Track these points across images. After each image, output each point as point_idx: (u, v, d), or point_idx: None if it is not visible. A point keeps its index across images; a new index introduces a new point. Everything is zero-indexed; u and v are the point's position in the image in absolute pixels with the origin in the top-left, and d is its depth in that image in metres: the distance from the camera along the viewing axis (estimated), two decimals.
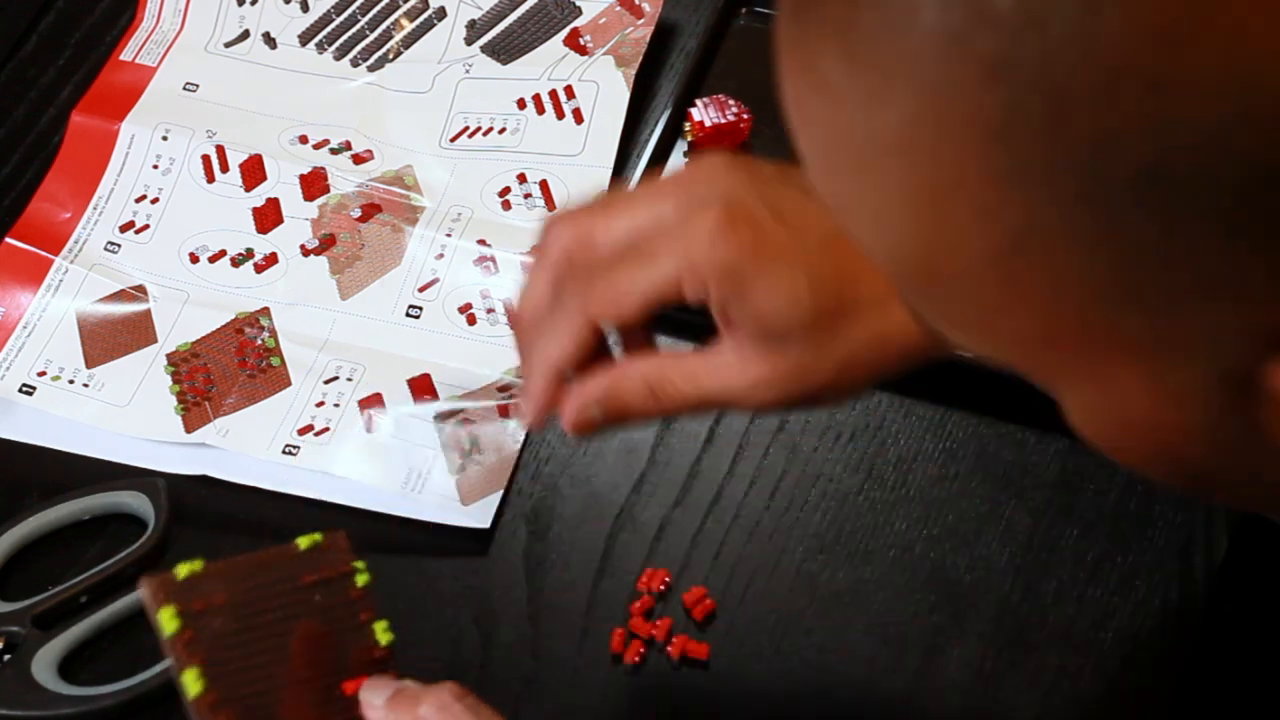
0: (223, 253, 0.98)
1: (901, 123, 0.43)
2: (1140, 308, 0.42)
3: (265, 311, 0.95)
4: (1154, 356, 0.44)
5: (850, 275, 0.68)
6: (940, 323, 0.48)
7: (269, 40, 1.07)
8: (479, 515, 0.87)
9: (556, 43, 1.05)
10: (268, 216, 0.99)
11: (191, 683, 0.66)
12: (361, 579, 0.69)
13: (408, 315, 0.95)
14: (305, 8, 1.09)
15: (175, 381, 0.93)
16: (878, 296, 0.68)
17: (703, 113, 1.00)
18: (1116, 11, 0.39)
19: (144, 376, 0.93)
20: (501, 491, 0.88)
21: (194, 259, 0.98)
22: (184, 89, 1.05)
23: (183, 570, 0.67)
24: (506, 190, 1.00)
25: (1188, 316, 0.42)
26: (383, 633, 0.69)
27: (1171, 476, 0.51)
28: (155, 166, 1.01)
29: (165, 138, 1.02)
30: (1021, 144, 0.41)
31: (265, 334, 0.94)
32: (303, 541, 0.69)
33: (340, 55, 1.06)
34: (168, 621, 0.66)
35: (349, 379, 0.92)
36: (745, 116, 1.00)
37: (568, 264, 0.69)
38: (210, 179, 1.01)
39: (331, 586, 0.69)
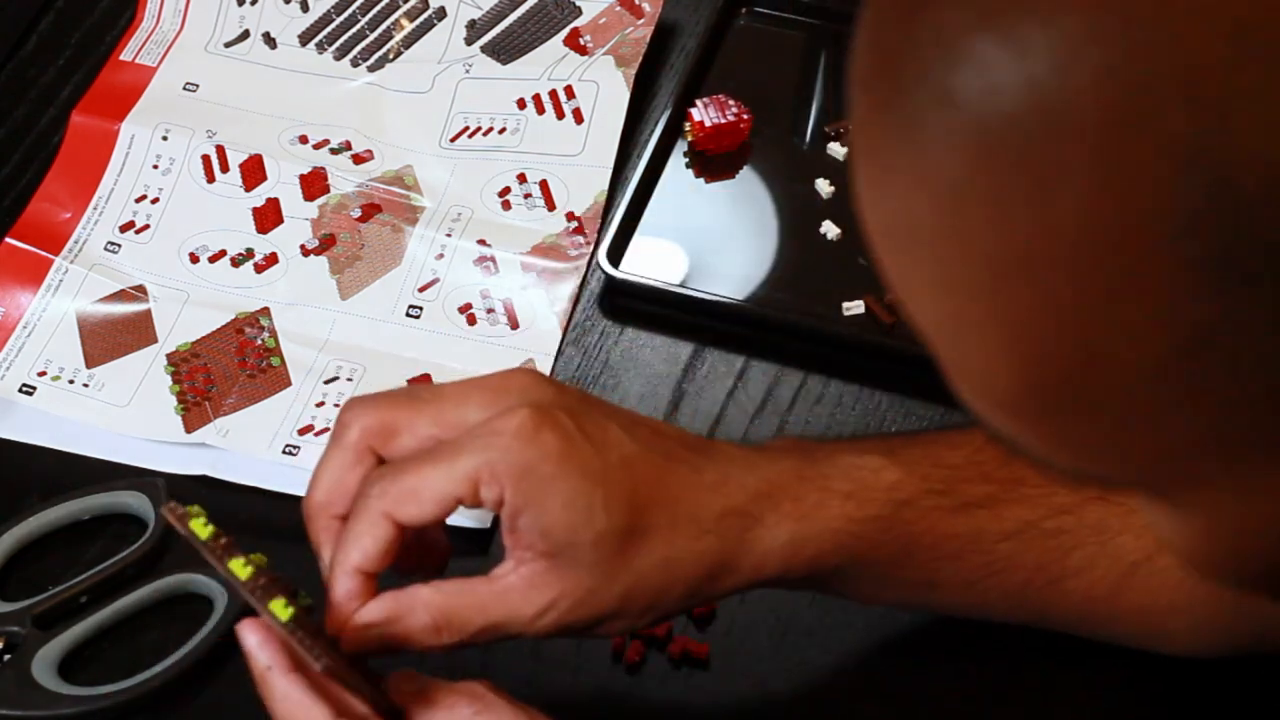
0: (223, 253, 0.98)
1: (1065, 228, 0.37)
2: None
3: (265, 311, 0.95)
4: None
5: (645, 500, 0.68)
6: (1042, 441, 0.43)
7: (269, 40, 1.07)
8: (479, 515, 0.87)
9: (556, 43, 1.05)
10: (268, 216, 0.99)
11: (241, 568, 0.65)
12: (201, 530, 0.68)
13: (408, 315, 0.95)
14: (305, 8, 1.09)
15: (175, 381, 0.93)
16: (669, 522, 0.68)
17: (703, 113, 1.00)
18: None
19: (144, 376, 0.93)
20: None
21: (194, 259, 0.98)
22: (184, 89, 1.05)
23: (197, 524, 0.68)
24: (506, 190, 1.00)
25: None
26: (241, 568, 0.68)
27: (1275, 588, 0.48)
28: (155, 166, 1.01)
29: (165, 138, 1.02)
30: (1218, 235, 0.36)
31: (265, 334, 0.94)
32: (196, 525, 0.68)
33: (340, 55, 1.06)
34: (201, 528, 0.66)
35: (349, 379, 0.92)
36: (745, 116, 1.00)
37: (367, 452, 0.69)
38: (210, 179, 1.01)
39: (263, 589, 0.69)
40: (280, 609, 0.65)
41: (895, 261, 0.42)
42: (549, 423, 0.67)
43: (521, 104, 1.03)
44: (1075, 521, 0.72)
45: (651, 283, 0.95)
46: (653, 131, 1.00)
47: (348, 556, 0.67)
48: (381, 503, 0.67)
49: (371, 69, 1.06)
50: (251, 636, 0.67)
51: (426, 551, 0.72)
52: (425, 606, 0.68)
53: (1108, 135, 0.36)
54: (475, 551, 0.86)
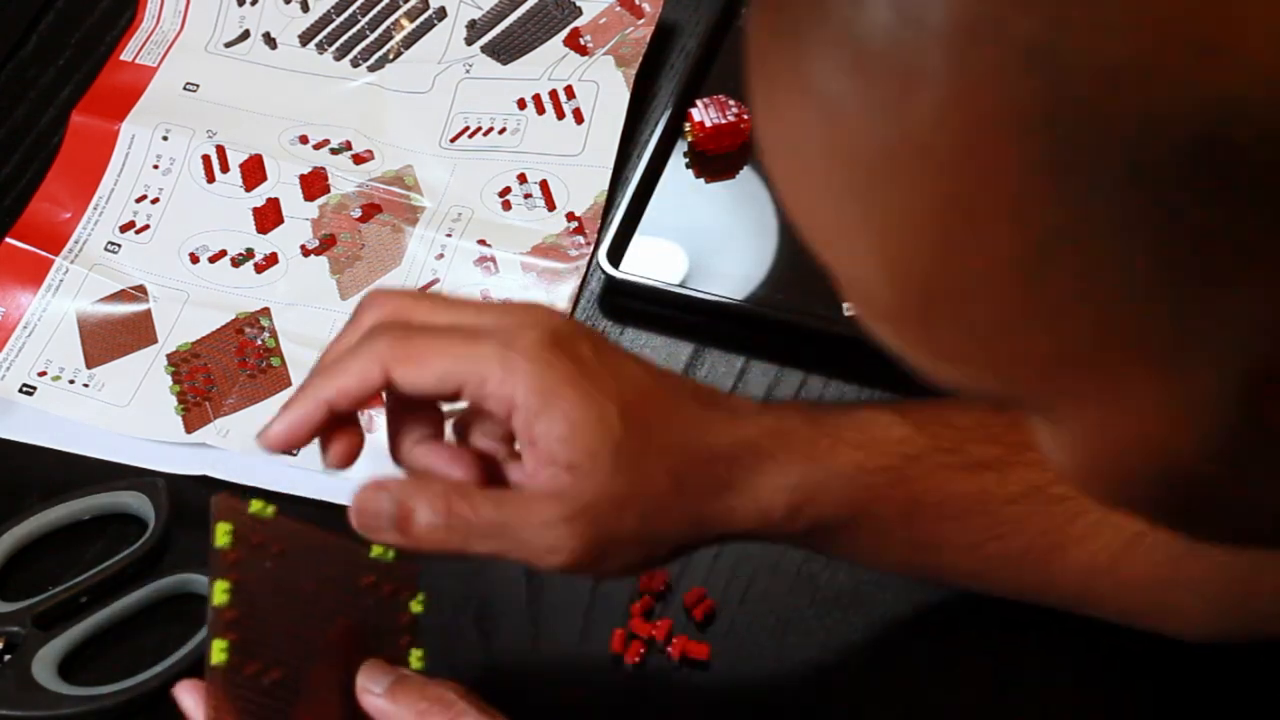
0: (223, 253, 0.98)
1: (922, 129, 0.40)
2: (1171, 301, 0.40)
3: (265, 312, 0.95)
4: (1175, 362, 0.42)
5: (659, 420, 0.68)
6: (924, 353, 0.46)
7: (269, 40, 1.07)
8: None
9: (556, 43, 1.05)
10: (268, 216, 0.99)
11: (219, 593, 0.65)
12: (416, 607, 0.70)
13: None
14: (305, 8, 1.09)
15: (175, 381, 0.93)
16: (683, 443, 0.68)
17: (703, 113, 1.00)
18: None
19: (144, 376, 0.93)
20: None
21: (194, 259, 0.98)
22: (184, 89, 1.05)
23: (255, 505, 0.68)
24: (507, 190, 1.00)
25: (1219, 305, 0.40)
26: (416, 660, 0.69)
27: (1162, 509, 0.49)
28: (155, 166, 1.01)
29: (165, 138, 1.02)
30: (1065, 130, 0.38)
31: (265, 334, 0.94)
32: (375, 549, 0.70)
33: (340, 55, 1.06)
34: (221, 535, 0.66)
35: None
36: (745, 116, 1.00)
37: (384, 329, 0.68)
38: (210, 179, 1.01)
39: (385, 600, 0.69)
40: (217, 651, 0.65)
41: (784, 176, 0.44)
42: (566, 343, 0.67)
43: (521, 104, 1.03)
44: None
45: (651, 283, 0.95)
46: (653, 131, 1.00)
47: (325, 384, 0.66)
48: (384, 351, 0.66)
49: (371, 69, 1.06)
50: (186, 698, 0.67)
51: (344, 435, 0.70)
52: (441, 487, 0.67)
53: (957, 40, 0.38)
54: None
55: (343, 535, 0.69)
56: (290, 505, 0.87)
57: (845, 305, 0.92)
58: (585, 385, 0.66)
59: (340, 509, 0.87)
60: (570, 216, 0.98)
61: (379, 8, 1.08)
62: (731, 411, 0.71)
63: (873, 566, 0.79)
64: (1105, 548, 0.73)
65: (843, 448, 0.71)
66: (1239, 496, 0.47)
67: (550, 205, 0.99)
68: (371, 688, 0.67)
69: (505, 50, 1.06)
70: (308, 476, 0.89)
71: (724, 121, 1.00)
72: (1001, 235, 0.40)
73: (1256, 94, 0.37)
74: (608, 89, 1.03)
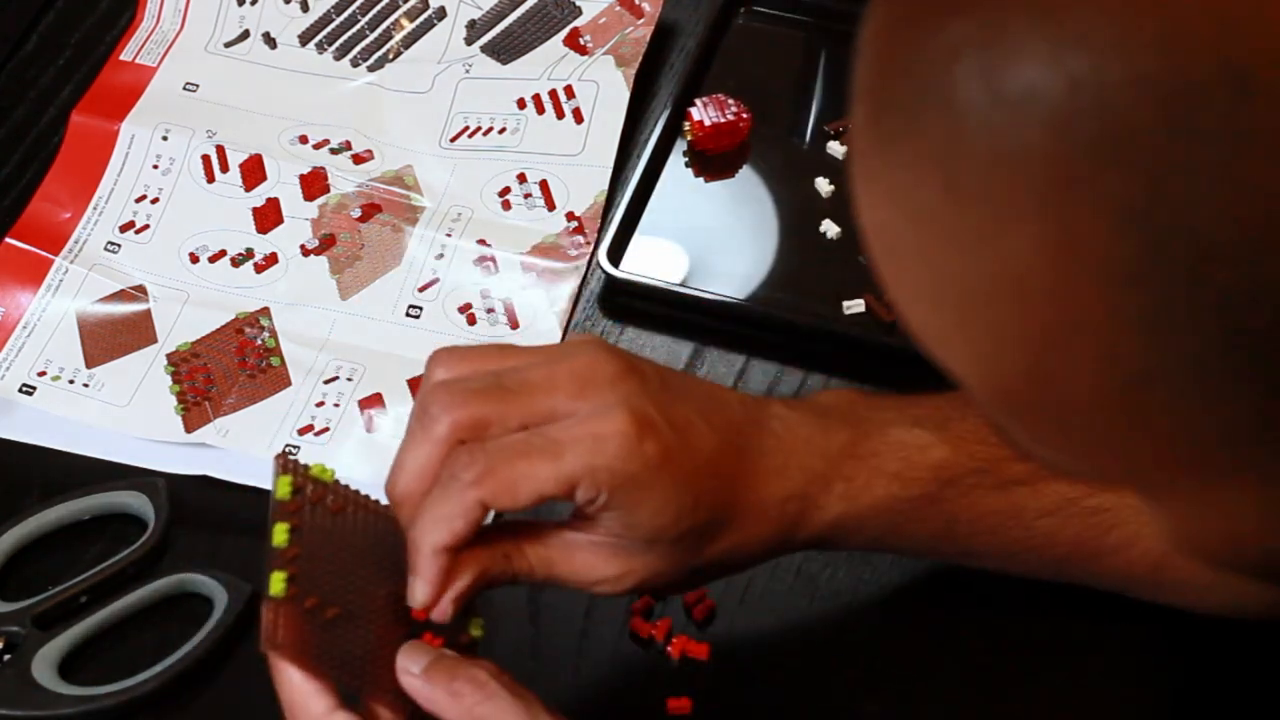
0: (223, 253, 0.98)
1: (1017, 265, 0.40)
2: (1267, 448, 0.41)
3: (265, 311, 0.95)
4: (1263, 482, 0.42)
5: (724, 499, 0.70)
6: (1029, 442, 0.46)
7: (269, 40, 1.07)
8: None
9: (556, 43, 1.05)
10: (268, 216, 0.99)
11: (279, 534, 0.66)
12: (476, 633, 0.70)
13: (408, 315, 0.95)
14: (305, 8, 1.09)
15: (175, 381, 0.93)
16: (741, 514, 0.70)
17: (702, 112, 1.00)
18: (1261, 152, 0.37)
19: (144, 376, 0.93)
20: None
21: (194, 259, 0.98)
22: (184, 89, 1.05)
23: (316, 468, 0.69)
24: (506, 190, 1.00)
25: None
26: (476, 627, 0.70)
27: (1263, 576, 0.50)
28: (155, 166, 1.01)
29: (165, 138, 1.02)
30: (1157, 291, 0.38)
31: (265, 334, 0.94)
32: None
33: (340, 55, 1.06)
34: (282, 487, 0.67)
35: (349, 379, 0.92)
36: (744, 116, 1.00)
37: (456, 446, 0.68)
38: (210, 179, 1.01)
39: None
40: (276, 582, 0.65)
41: (881, 264, 0.45)
42: (650, 431, 0.67)
43: (521, 104, 1.03)
44: (1115, 500, 0.73)
45: (651, 282, 0.95)
46: (652, 131, 1.00)
47: (438, 537, 0.67)
48: (478, 491, 0.66)
49: (371, 69, 1.06)
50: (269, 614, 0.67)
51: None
52: (498, 544, 0.69)
53: (1053, 188, 0.38)
54: None
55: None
56: None
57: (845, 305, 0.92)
58: (664, 488, 0.68)
59: None
60: (570, 216, 0.98)
61: (379, 8, 1.08)
62: (783, 456, 0.72)
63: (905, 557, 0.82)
64: (1143, 557, 0.74)
65: (879, 480, 0.73)
66: None
67: (550, 205, 0.99)
68: (410, 667, 0.67)
69: (505, 50, 1.06)
70: None
71: (723, 120, 1.00)
72: (1094, 370, 0.41)
73: None
74: (607, 89, 1.03)
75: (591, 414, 0.67)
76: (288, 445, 0.89)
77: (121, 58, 1.06)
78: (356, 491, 0.70)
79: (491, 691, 0.66)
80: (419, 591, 0.67)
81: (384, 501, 0.70)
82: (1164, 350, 0.39)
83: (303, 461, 0.69)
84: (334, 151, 1.01)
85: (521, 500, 0.67)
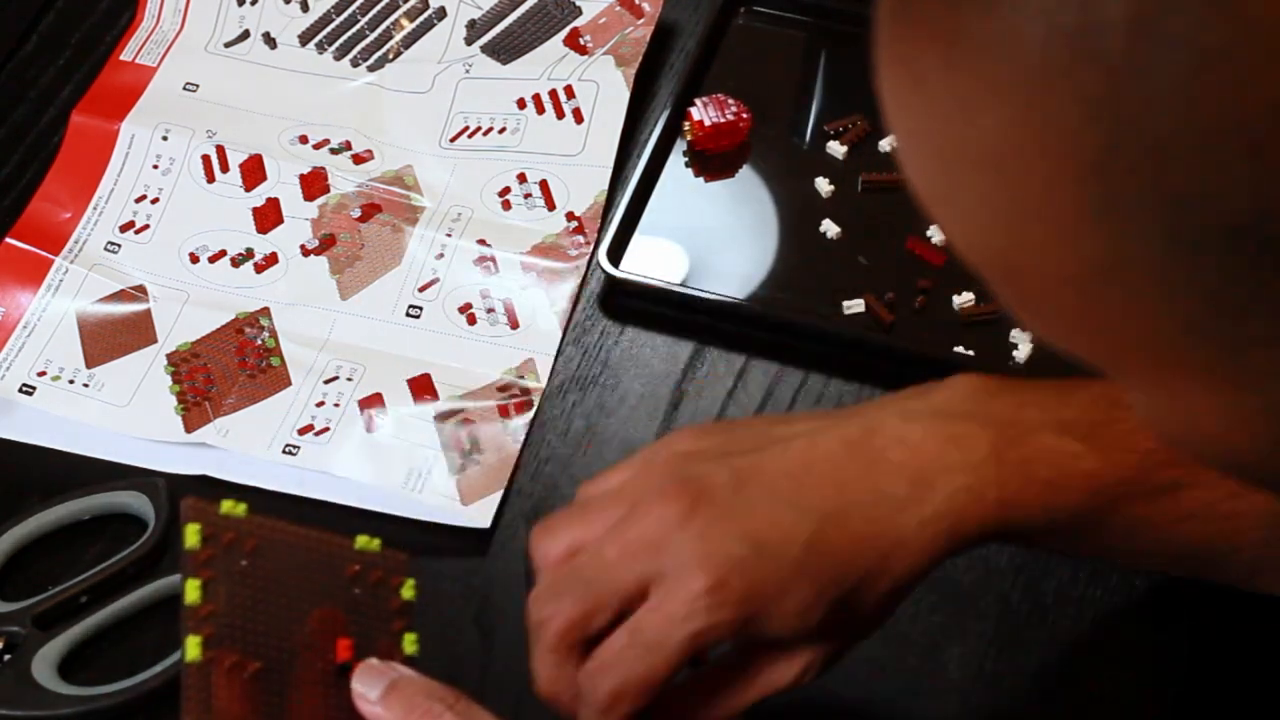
0: (223, 253, 0.98)
1: (994, 137, 0.42)
2: (1215, 346, 0.43)
3: (265, 311, 0.95)
4: (1224, 384, 0.44)
5: (854, 561, 0.68)
6: (1018, 310, 0.48)
7: (269, 40, 1.07)
8: (479, 515, 0.87)
9: (556, 42, 1.05)
10: (268, 216, 0.99)
11: (191, 591, 0.65)
12: (408, 593, 0.69)
13: (408, 315, 0.95)
14: (305, 8, 1.09)
15: (175, 381, 0.93)
16: (879, 560, 0.69)
17: (702, 112, 1.00)
18: (1226, 74, 0.38)
19: (144, 376, 0.93)
20: (502, 491, 0.88)
21: (194, 259, 0.98)
22: (184, 89, 1.05)
23: (226, 505, 0.67)
24: (506, 190, 1.00)
25: (1260, 357, 0.42)
26: (410, 644, 0.69)
27: (1234, 471, 0.51)
28: (155, 166, 1.01)
29: (165, 138, 1.02)
30: (1114, 182, 0.41)
31: (265, 334, 0.94)
32: (360, 540, 0.69)
33: (340, 55, 1.06)
34: (190, 536, 0.66)
35: (349, 379, 0.92)
36: (744, 116, 1.00)
37: (571, 648, 0.69)
38: (210, 179, 1.01)
39: (373, 587, 0.69)
40: (192, 647, 0.64)
41: (891, 120, 0.47)
42: (726, 572, 0.67)
43: (521, 104, 1.03)
44: (1249, 505, 0.73)
45: (651, 282, 0.95)
46: (652, 131, 1.00)
47: None
48: (619, 708, 0.68)
49: (371, 69, 1.06)
50: None
51: None
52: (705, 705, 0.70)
53: (1032, 74, 0.41)
54: (476, 551, 0.86)
55: (323, 530, 0.69)
56: (290, 505, 0.87)
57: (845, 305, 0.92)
58: (769, 592, 0.67)
59: (337, 507, 0.87)
60: (570, 216, 0.98)
61: (379, 8, 1.08)
62: (908, 480, 0.70)
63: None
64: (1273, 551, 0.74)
65: (1033, 487, 0.70)
66: None
67: (550, 205, 0.99)
68: (366, 694, 0.67)
69: (505, 50, 1.06)
70: (305, 476, 0.89)
71: (723, 120, 1.00)
72: (1059, 254, 0.43)
73: None
74: (607, 89, 1.03)
75: (672, 587, 0.68)
76: (288, 445, 0.89)
77: (121, 58, 1.06)
78: (271, 521, 0.68)
79: (457, 713, 0.66)
80: None
81: (301, 525, 0.69)
82: (1116, 242, 0.41)
83: (210, 502, 0.67)
84: (334, 151, 1.01)
85: (654, 690, 0.68)
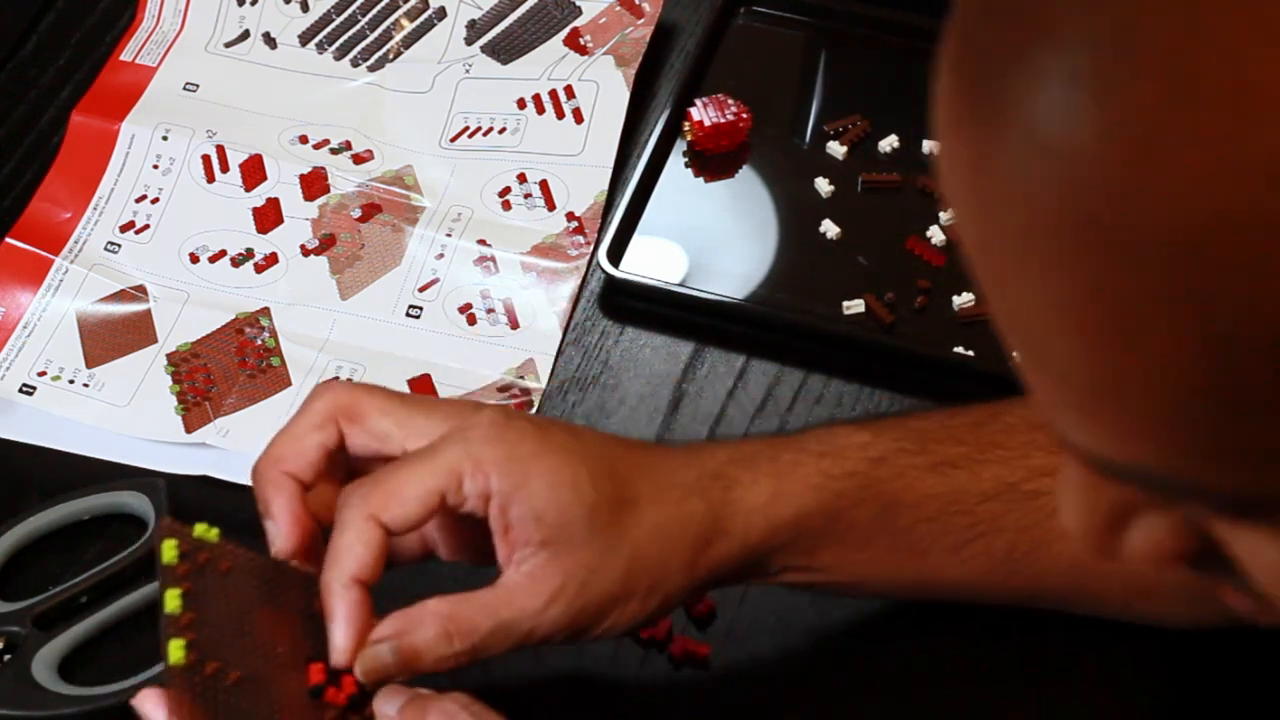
0: (223, 253, 0.98)
1: (1066, 307, 0.39)
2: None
3: (265, 311, 0.95)
4: None
5: (625, 473, 0.69)
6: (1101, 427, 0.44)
7: (269, 40, 1.07)
8: None
9: (556, 43, 1.05)
10: (268, 216, 0.99)
11: (171, 600, 0.65)
12: None
13: (408, 315, 0.95)
14: (305, 8, 1.09)
15: (175, 381, 0.93)
16: (653, 490, 0.69)
17: (702, 112, 1.00)
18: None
19: (144, 376, 0.93)
20: None
21: (194, 259, 0.98)
22: (184, 89, 1.05)
23: (199, 529, 0.68)
24: (506, 190, 1.00)
25: None
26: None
27: None
28: (155, 166, 1.01)
29: (165, 138, 1.02)
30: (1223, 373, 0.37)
31: (265, 334, 0.94)
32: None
33: (340, 55, 1.06)
34: (168, 551, 0.66)
35: (349, 379, 0.92)
36: (744, 116, 1.00)
37: (330, 420, 0.69)
38: (210, 179, 1.01)
39: None
40: (175, 650, 0.64)
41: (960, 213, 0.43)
42: (517, 416, 0.69)
43: (521, 104, 1.03)
44: (1055, 484, 0.72)
45: (652, 282, 0.95)
46: (652, 131, 1.00)
47: (342, 569, 0.67)
48: (365, 506, 0.67)
49: (371, 69, 1.06)
50: (148, 706, 0.67)
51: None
52: (433, 616, 0.67)
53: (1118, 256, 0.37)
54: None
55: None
56: None
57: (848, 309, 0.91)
58: (550, 457, 0.68)
59: None
60: (570, 216, 0.98)
61: (379, 8, 1.08)
62: (690, 451, 0.73)
63: (864, 587, 0.78)
64: None
65: (807, 458, 0.72)
66: None
67: (550, 205, 0.99)
68: (387, 711, 0.67)
69: (505, 50, 1.06)
70: None
71: (723, 120, 1.00)
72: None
73: None
74: (607, 89, 1.03)
75: (464, 421, 0.69)
76: None
77: (121, 58, 1.06)
78: (243, 549, 0.69)
79: (477, 711, 0.66)
80: (338, 635, 0.67)
81: (269, 554, 0.69)
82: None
83: (184, 525, 0.68)
84: (334, 151, 1.01)
85: (410, 505, 0.67)
